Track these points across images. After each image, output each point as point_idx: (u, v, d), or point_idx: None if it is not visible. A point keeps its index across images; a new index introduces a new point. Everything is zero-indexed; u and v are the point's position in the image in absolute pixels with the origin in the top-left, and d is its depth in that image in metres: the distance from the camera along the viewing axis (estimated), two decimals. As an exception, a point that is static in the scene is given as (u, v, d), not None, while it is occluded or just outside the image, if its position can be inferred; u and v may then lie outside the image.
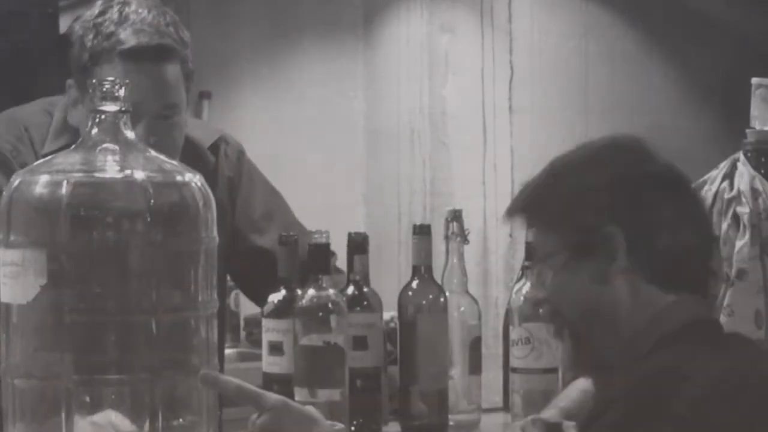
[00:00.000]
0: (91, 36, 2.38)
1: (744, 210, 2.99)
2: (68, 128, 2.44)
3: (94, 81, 1.85)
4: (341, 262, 2.38)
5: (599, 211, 1.80)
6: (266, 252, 2.51)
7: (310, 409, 1.86)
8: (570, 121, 4.15)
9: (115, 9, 2.40)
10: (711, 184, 3.04)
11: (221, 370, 1.92)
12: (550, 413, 1.99)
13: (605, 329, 1.82)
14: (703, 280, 1.84)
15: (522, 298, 2.40)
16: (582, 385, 2.03)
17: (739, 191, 3.01)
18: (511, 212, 1.92)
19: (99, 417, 1.76)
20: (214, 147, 2.60)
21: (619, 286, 1.80)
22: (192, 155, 2.44)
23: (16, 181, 1.83)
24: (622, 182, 1.81)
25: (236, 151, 2.65)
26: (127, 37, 2.36)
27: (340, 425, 1.99)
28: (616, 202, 1.80)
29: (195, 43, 2.47)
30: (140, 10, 2.40)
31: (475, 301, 2.45)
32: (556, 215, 1.85)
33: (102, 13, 2.40)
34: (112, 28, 2.37)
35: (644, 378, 1.71)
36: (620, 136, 1.91)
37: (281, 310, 2.25)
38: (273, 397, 1.85)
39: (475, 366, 2.42)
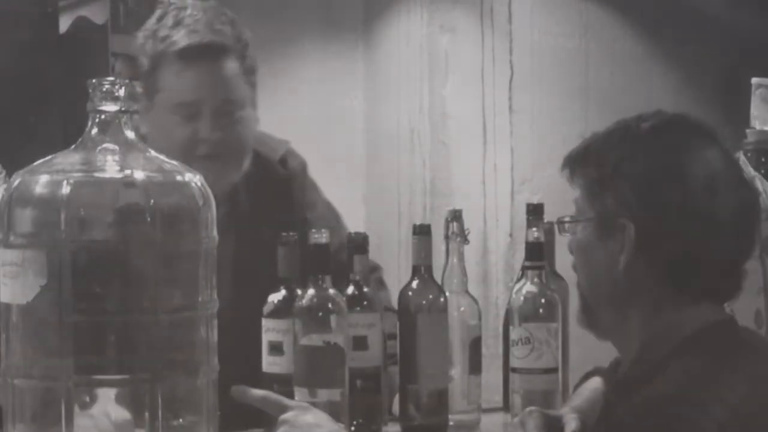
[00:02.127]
0: (150, 42, 2.51)
1: (744, 210, 2.99)
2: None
3: (93, 81, 1.86)
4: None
5: (620, 199, 1.81)
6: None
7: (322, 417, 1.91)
8: (570, 121, 4.15)
9: (171, 15, 2.52)
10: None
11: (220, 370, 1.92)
12: (561, 411, 1.99)
13: (609, 306, 1.86)
14: (722, 288, 1.85)
15: (522, 298, 2.39)
16: (594, 384, 2.03)
17: (739, 191, 3.00)
18: (565, 163, 1.92)
19: (95, 409, 1.77)
20: (282, 160, 2.71)
21: (629, 275, 1.81)
22: (263, 170, 2.60)
23: (16, 181, 1.82)
24: (649, 179, 1.80)
25: (301, 163, 2.77)
26: (180, 38, 2.47)
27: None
28: (636, 197, 1.80)
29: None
30: (195, 13, 2.51)
31: (475, 301, 2.45)
32: (588, 186, 1.86)
33: (159, 18, 2.52)
34: (166, 32, 2.49)
35: (659, 401, 1.72)
36: (678, 120, 1.89)
37: (281, 310, 2.24)
38: (293, 403, 1.96)
39: (475, 366, 2.41)
